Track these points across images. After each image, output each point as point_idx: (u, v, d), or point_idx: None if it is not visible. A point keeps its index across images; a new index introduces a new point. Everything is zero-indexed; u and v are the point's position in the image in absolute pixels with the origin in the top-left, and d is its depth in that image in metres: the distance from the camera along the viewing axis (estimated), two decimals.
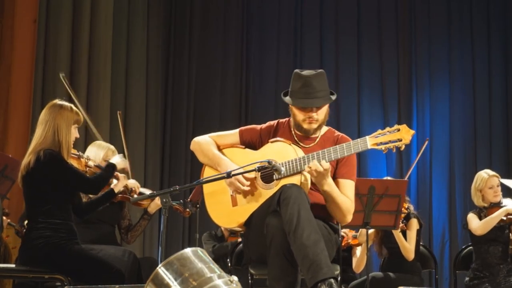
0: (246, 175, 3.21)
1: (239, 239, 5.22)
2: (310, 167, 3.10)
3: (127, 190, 4.13)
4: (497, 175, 5.21)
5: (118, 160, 3.85)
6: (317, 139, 3.39)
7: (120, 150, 4.57)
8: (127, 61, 7.16)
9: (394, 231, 5.07)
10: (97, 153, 4.28)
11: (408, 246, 5.15)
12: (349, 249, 5.62)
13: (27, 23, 6.31)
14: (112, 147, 4.44)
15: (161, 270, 2.23)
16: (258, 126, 3.49)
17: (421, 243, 5.38)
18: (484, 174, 5.21)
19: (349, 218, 3.31)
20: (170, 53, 7.97)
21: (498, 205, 5.08)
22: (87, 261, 3.51)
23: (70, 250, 3.51)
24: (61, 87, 6.31)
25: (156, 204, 4.40)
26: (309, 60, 8.12)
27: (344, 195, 3.27)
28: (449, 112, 8.20)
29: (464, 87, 8.27)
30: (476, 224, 5.06)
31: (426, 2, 8.40)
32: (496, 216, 4.97)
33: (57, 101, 3.65)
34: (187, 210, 4.71)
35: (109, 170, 3.75)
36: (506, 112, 8.24)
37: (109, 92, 6.70)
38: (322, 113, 3.33)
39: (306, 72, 3.32)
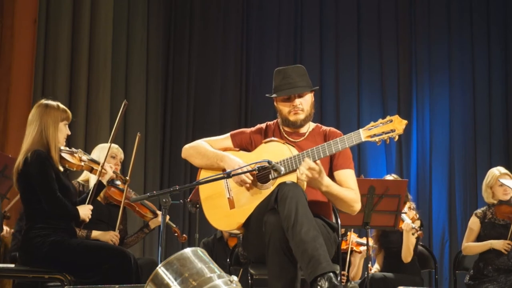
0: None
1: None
2: (301, 173, 3.06)
3: (121, 179, 4.16)
4: (509, 173, 5.22)
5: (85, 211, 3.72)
6: (306, 134, 3.42)
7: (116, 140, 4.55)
8: (127, 61, 7.15)
9: (407, 237, 5.07)
10: (100, 155, 4.29)
11: (411, 252, 5.14)
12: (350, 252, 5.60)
13: (27, 23, 6.30)
14: (113, 145, 4.48)
15: (161, 270, 2.23)
16: (248, 130, 3.51)
17: (420, 243, 5.39)
18: (496, 171, 5.25)
19: (358, 207, 3.30)
20: (170, 53, 7.97)
21: (506, 203, 5.10)
22: (88, 250, 3.51)
23: (70, 243, 3.52)
24: (61, 87, 6.32)
25: (159, 221, 4.42)
26: (309, 60, 8.11)
27: (347, 186, 3.28)
28: (449, 112, 8.20)
29: (464, 87, 8.27)
30: (465, 244, 5.25)
31: (426, 2, 8.39)
32: (480, 247, 5.11)
33: (43, 101, 3.65)
34: (184, 235, 4.79)
35: (75, 212, 3.62)
36: (506, 112, 8.23)
37: (109, 92, 6.70)
38: (306, 103, 3.37)
39: (285, 67, 3.43)
